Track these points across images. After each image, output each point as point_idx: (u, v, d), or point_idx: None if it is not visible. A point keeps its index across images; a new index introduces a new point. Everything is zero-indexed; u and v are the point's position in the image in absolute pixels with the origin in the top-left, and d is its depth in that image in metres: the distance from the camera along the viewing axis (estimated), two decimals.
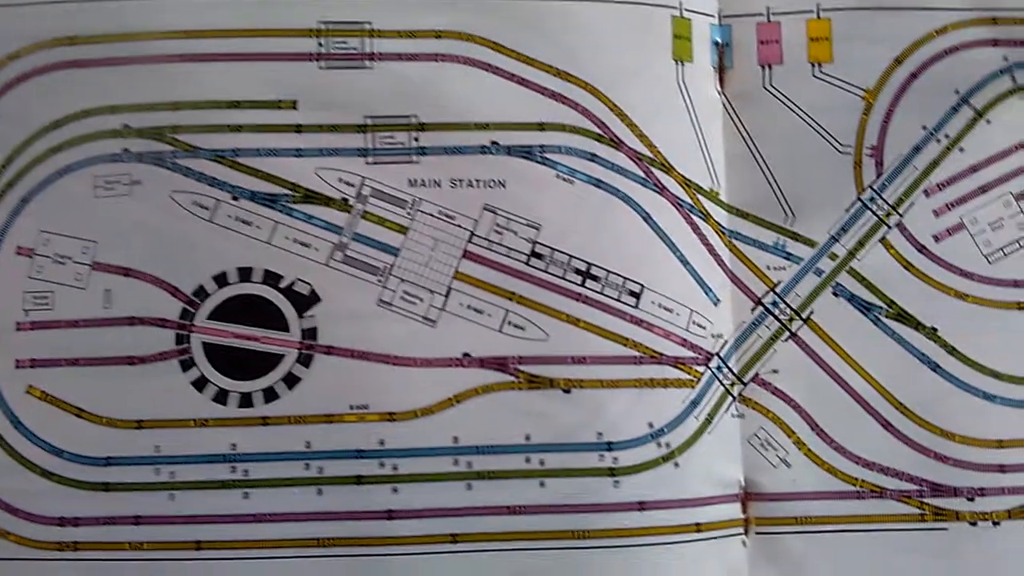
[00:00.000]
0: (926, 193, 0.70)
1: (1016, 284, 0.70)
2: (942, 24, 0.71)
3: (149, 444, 0.64)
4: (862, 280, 0.70)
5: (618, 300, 0.67)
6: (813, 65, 0.70)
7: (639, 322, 0.67)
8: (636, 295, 0.67)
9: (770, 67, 0.70)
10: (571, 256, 0.67)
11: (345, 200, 0.66)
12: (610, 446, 0.65)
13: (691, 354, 0.68)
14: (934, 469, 0.68)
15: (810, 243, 0.70)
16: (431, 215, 0.66)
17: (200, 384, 0.65)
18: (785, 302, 0.69)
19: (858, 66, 0.71)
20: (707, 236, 0.69)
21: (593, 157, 0.67)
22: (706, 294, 0.68)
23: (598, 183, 0.67)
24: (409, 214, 0.66)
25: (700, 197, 0.69)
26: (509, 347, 0.66)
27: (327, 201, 0.66)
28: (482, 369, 0.66)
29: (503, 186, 0.67)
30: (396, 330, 0.66)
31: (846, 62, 0.71)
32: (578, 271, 0.66)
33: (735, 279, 0.69)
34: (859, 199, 0.70)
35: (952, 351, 0.69)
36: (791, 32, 0.71)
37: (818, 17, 0.70)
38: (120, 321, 0.65)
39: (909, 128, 0.71)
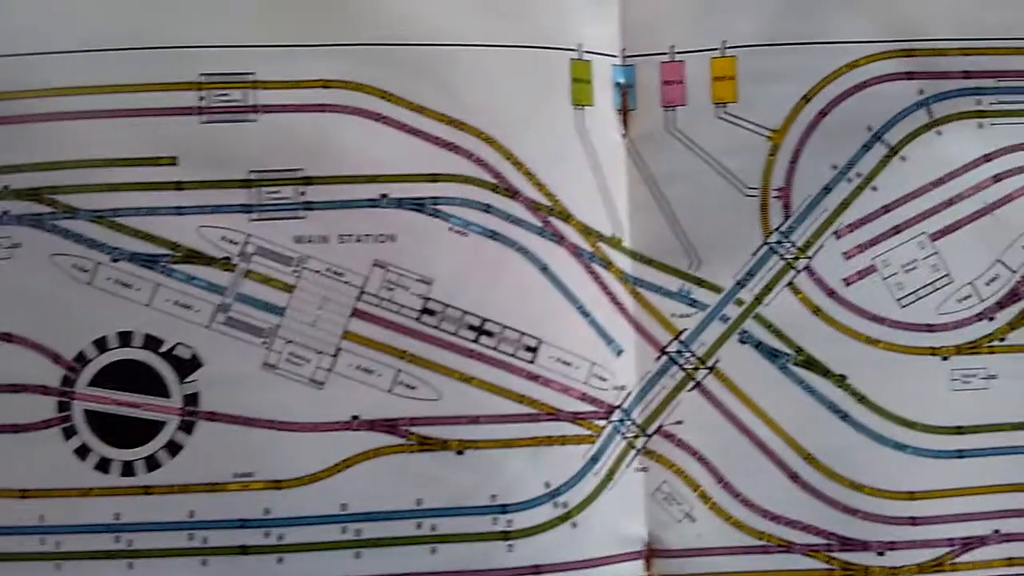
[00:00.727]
0: (836, 235, 0.54)
1: (930, 329, 0.53)
2: (853, 58, 0.54)
3: (34, 513, 0.50)
4: (769, 326, 0.53)
5: (514, 356, 0.51)
6: (717, 106, 0.53)
7: (536, 378, 0.51)
8: (533, 350, 0.51)
9: (674, 108, 0.53)
10: (464, 312, 0.51)
11: (228, 259, 0.50)
12: (504, 508, 0.50)
13: (591, 408, 0.51)
14: (843, 522, 0.53)
15: (716, 289, 0.53)
16: (318, 272, 0.50)
17: (83, 452, 0.50)
18: (690, 351, 0.53)
19: (764, 105, 0.54)
20: (609, 285, 0.52)
21: (488, 208, 0.51)
22: (608, 345, 0.52)
23: (493, 235, 0.51)
24: (295, 272, 0.50)
25: (602, 245, 0.52)
26: (400, 408, 0.51)
27: (209, 260, 0.50)
28: (372, 432, 0.50)
29: (393, 240, 0.51)
30: (282, 394, 0.50)
31: (751, 101, 0.54)
32: (472, 327, 0.50)
33: (639, 328, 0.53)
34: (766, 243, 0.53)
35: (862, 399, 0.52)
36: (696, 71, 0.54)
37: (723, 55, 0.53)
38: (3, 388, 0.50)
39: (818, 168, 0.54)
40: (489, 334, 0.51)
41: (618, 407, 0.52)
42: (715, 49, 0.54)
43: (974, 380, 0.53)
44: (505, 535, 0.50)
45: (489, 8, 0.52)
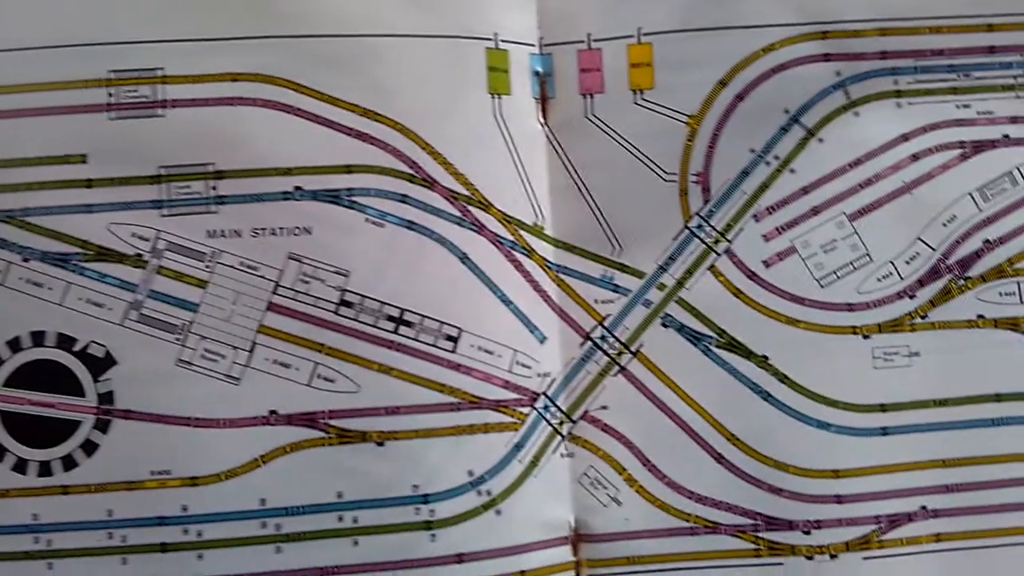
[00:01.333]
0: (756, 218, 0.44)
1: (850, 308, 0.43)
2: (769, 42, 0.44)
3: None
4: (691, 310, 0.44)
5: (434, 346, 0.41)
6: (635, 92, 0.43)
7: (457, 367, 0.41)
8: (453, 339, 0.41)
9: (592, 96, 0.43)
10: (383, 303, 0.41)
11: (139, 255, 0.41)
12: (426, 498, 0.41)
13: (515, 396, 0.42)
14: (769, 502, 0.43)
15: (638, 274, 0.44)
16: (232, 267, 0.41)
17: None
18: (614, 336, 0.43)
19: (681, 91, 0.44)
20: (531, 272, 0.43)
21: (405, 198, 0.41)
22: (531, 332, 0.42)
23: (410, 225, 0.41)
24: (208, 267, 0.41)
25: (523, 233, 0.42)
26: (318, 402, 0.41)
27: (120, 258, 0.41)
28: (290, 426, 0.41)
29: (309, 233, 0.41)
30: (197, 390, 0.41)
31: (668, 87, 0.44)
32: (391, 318, 0.41)
33: (563, 315, 0.43)
34: (686, 227, 0.44)
35: (784, 379, 0.43)
36: (612, 59, 0.45)
37: (639, 42, 0.43)
38: None
39: (736, 152, 0.45)
40: (408, 324, 0.41)
41: (542, 394, 0.43)
42: (631, 36, 0.44)
43: (896, 358, 0.44)
44: (428, 525, 0.41)
45: None
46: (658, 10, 0.44)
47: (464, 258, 0.42)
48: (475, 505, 0.41)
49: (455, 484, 0.41)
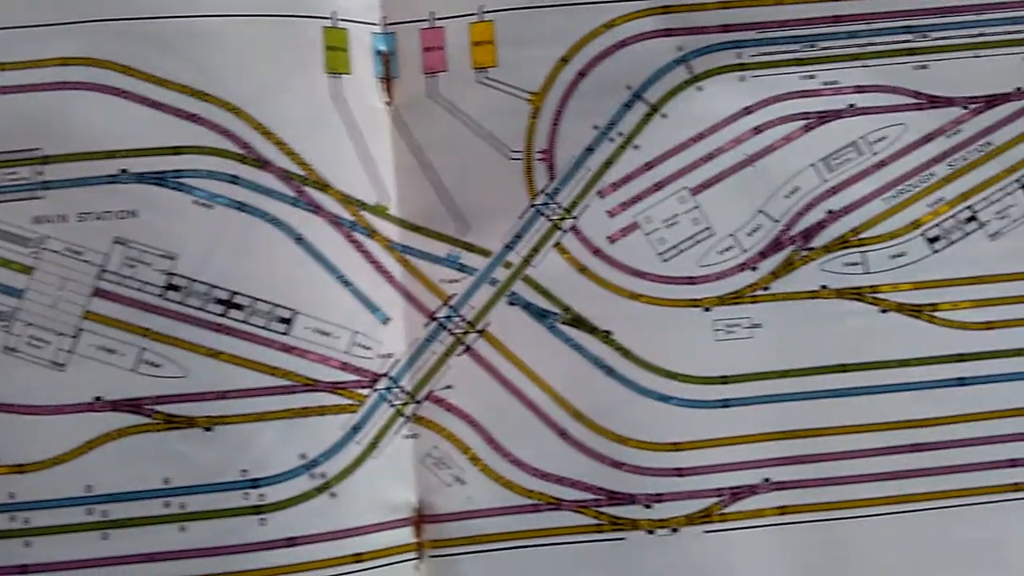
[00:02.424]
0: (600, 194, 0.31)
1: (691, 281, 0.30)
2: (610, 17, 0.31)
3: None
4: (537, 287, 0.30)
5: (265, 328, 0.28)
6: (478, 70, 0.30)
7: (291, 349, 0.29)
8: (287, 321, 0.28)
9: (435, 74, 0.30)
10: (211, 286, 0.28)
11: None
12: (256, 483, 0.28)
13: (353, 377, 0.29)
14: (611, 477, 0.30)
15: (484, 253, 0.31)
16: (57, 252, 0.28)
17: None
18: (460, 315, 0.30)
19: (523, 68, 0.31)
20: (374, 253, 0.30)
21: (235, 179, 0.28)
22: (373, 313, 0.29)
23: (241, 206, 0.28)
24: (34, 253, 0.28)
25: (365, 213, 0.29)
26: (145, 387, 0.29)
27: None
28: (116, 412, 0.28)
29: (135, 216, 0.29)
30: (22, 377, 0.29)
31: (511, 65, 0.31)
32: (219, 301, 0.28)
33: (408, 295, 0.30)
34: (532, 205, 0.31)
35: (626, 354, 0.30)
36: (455, 37, 0.31)
37: (481, 20, 0.29)
38: None
39: (580, 129, 0.31)
40: (238, 307, 0.28)
41: (384, 375, 0.29)
42: (473, 15, 0.31)
43: (738, 330, 0.30)
44: (257, 509, 0.28)
45: None
46: None
47: (299, 239, 0.29)
48: (308, 488, 0.29)
49: (286, 468, 0.29)
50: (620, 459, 0.31)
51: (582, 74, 0.32)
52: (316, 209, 0.30)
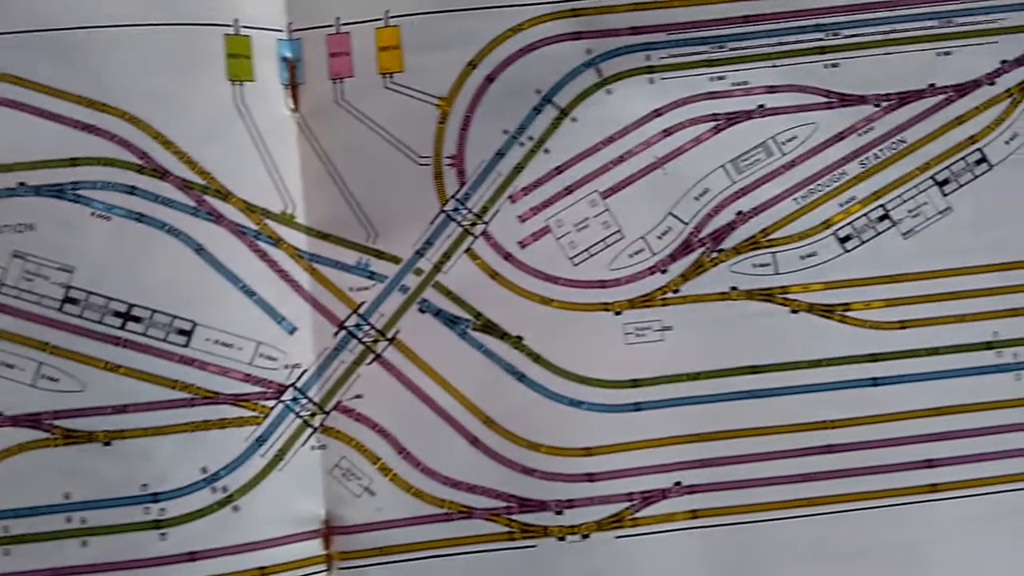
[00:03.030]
0: (511, 199, 0.30)
1: (602, 285, 0.30)
2: (518, 21, 0.31)
3: None
4: (448, 294, 0.30)
5: (165, 341, 0.28)
6: (384, 76, 0.30)
7: (191, 362, 0.29)
8: (187, 333, 0.28)
9: (342, 80, 0.30)
10: (109, 298, 0.28)
11: None
12: (156, 497, 0.28)
13: (257, 389, 0.29)
14: (522, 483, 0.30)
15: (395, 260, 0.30)
16: None
17: None
18: (369, 323, 0.30)
19: (431, 73, 0.31)
20: (279, 262, 0.29)
21: (133, 190, 0.28)
22: (278, 323, 0.29)
23: (140, 217, 0.28)
24: None
25: (270, 222, 0.29)
26: (43, 402, 0.29)
27: None
28: (15, 428, 0.28)
29: (32, 229, 0.29)
30: None
31: (418, 70, 0.31)
32: (117, 313, 0.28)
33: (316, 304, 0.30)
34: (443, 210, 0.30)
35: (537, 359, 0.30)
36: (361, 42, 0.31)
37: (387, 25, 0.29)
38: None
39: (490, 133, 0.31)
40: (137, 320, 0.28)
41: (291, 386, 0.29)
42: (379, 19, 0.30)
43: (648, 333, 0.30)
44: (157, 524, 0.28)
45: None
46: None
47: (199, 249, 0.29)
48: (209, 502, 0.29)
49: (187, 482, 0.28)
50: (531, 465, 0.30)
51: (491, 78, 0.32)
52: (217, 218, 0.30)
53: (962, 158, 0.31)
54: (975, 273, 0.31)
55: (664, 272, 0.31)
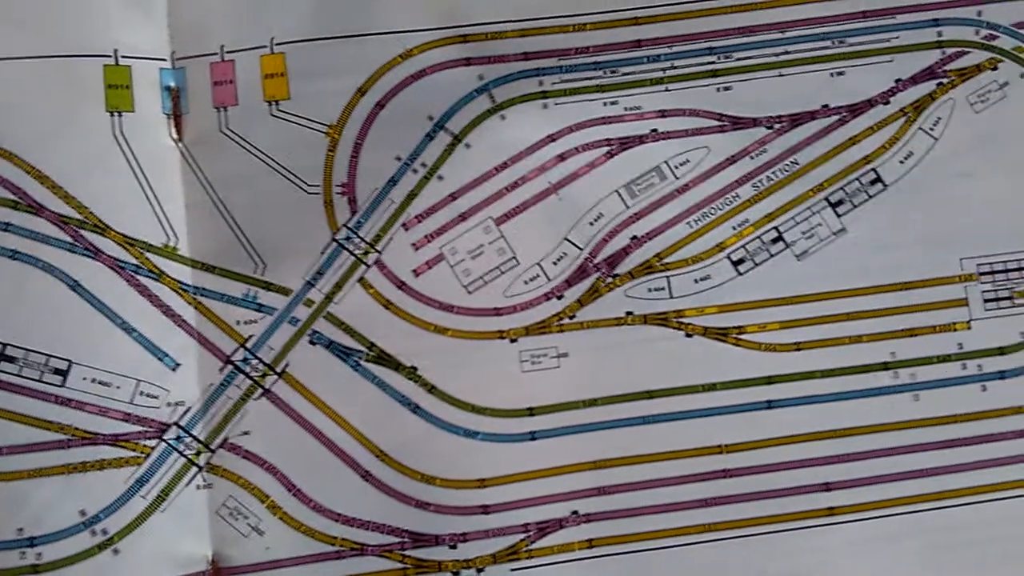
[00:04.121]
0: (405, 227, 0.30)
1: (497, 312, 0.30)
2: (407, 47, 0.30)
3: None
4: (340, 324, 0.30)
5: (40, 381, 0.27)
6: (270, 104, 0.29)
7: (67, 402, 0.28)
8: (63, 373, 0.27)
9: (226, 109, 0.29)
10: None
11: None
12: (32, 541, 0.27)
13: (137, 428, 0.28)
14: (415, 518, 0.30)
15: (284, 291, 0.30)
16: None
17: None
18: (257, 357, 0.30)
19: (318, 101, 0.31)
20: (161, 297, 0.29)
21: (7, 227, 0.27)
22: (160, 360, 0.28)
23: (13, 254, 0.28)
24: None
25: (151, 255, 0.29)
26: None
27: None
28: None
29: None
30: None
31: (305, 98, 0.30)
32: None
33: (201, 339, 0.30)
34: (334, 239, 0.30)
35: (432, 389, 0.30)
36: (245, 70, 0.31)
37: (272, 52, 0.29)
38: None
39: (382, 160, 0.31)
40: (10, 360, 0.27)
41: (174, 424, 0.29)
42: (264, 47, 0.30)
43: (544, 360, 0.30)
44: (34, 568, 0.27)
45: (3, 20, 0.28)
46: (290, 18, 0.31)
47: (75, 286, 0.29)
48: (89, 546, 0.28)
49: (65, 525, 0.28)
50: (425, 499, 0.30)
51: (381, 105, 0.32)
52: (95, 253, 0.30)
53: (856, 179, 0.32)
54: (871, 294, 0.31)
55: (560, 298, 0.31)
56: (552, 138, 0.31)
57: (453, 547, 0.29)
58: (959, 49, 0.32)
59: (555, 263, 0.31)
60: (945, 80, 0.31)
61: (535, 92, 0.31)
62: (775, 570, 0.30)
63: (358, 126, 0.31)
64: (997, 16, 0.32)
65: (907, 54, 0.31)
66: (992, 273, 0.31)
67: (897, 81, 0.32)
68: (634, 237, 0.31)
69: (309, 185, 0.30)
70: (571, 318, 0.31)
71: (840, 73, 0.31)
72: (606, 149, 0.31)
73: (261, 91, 0.31)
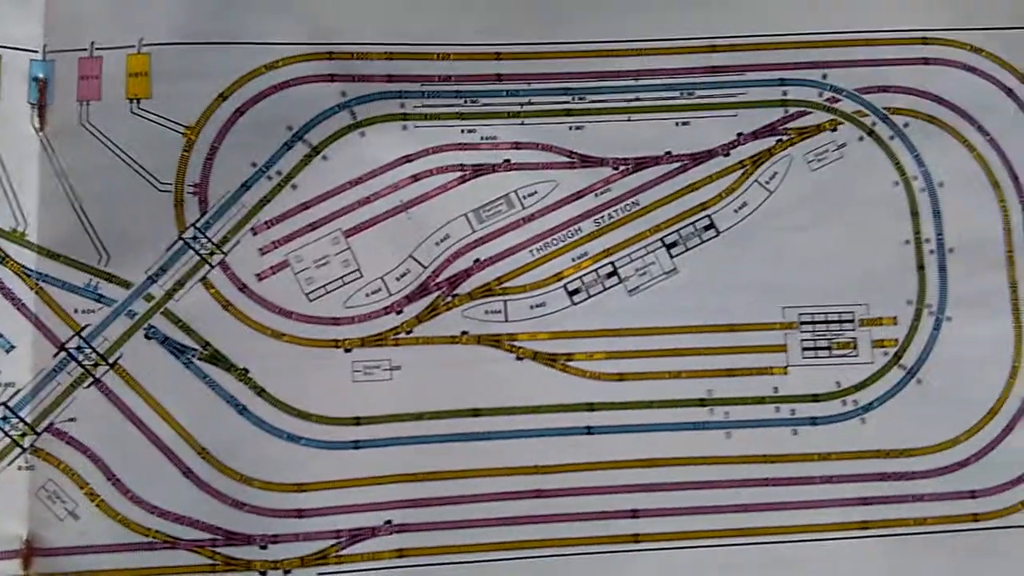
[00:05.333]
0: (253, 231, 0.31)
1: (335, 322, 0.31)
2: (273, 59, 0.32)
3: None
4: (177, 322, 0.31)
5: None
6: (132, 101, 0.30)
7: None
8: None
9: (88, 103, 0.30)
10: None
11: None
12: None
13: None
14: (230, 517, 0.30)
15: (125, 284, 0.31)
16: None
17: None
18: (91, 346, 0.30)
19: (179, 102, 0.32)
20: (3, 279, 0.29)
21: None
22: None
23: None
24: None
25: None
26: None
27: None
28: None
29: None
30: None
31: (166, 98, 0.32)
32: None
33: (38, 324, 0.30)
34: (180, 238, 0.31)
35: (261, 392, 0.31)
36: (112, 68, 0.32)
37: (139, 52, 0.30)
38: None
39: (237, 165, 0.32)
40: None
41: (2, 404, 0.29)
42: (133, 47, 0.31)
43: (377, 372, 0.31)
44: None
45: None
46: (161, 22, 0.32)
47: None
48: None
49: None
50: (242, 499, 0.31)
51: (241, 111, 0.33)
52: None
53: (691, 223, 0.34)
54: (694, 332, 0.33)
55: (399, 313, 0.33)
56: (408, 159, 0.33)
57: (264, 548, 0.30)
58: (802, 109, 0.34)
59: (398, 279, 0.32)
60: (785, 137, 0.34)
61: (396, 113, 0.33)
62: None
63: (216, 130, 0.32)
64: (841, 80, 0.34)
65: (752, 110, 0.34)
66: (812, 323, 0.33)
67: (739, 135, 0.34)
68: (477, 260, 0.33)
69: (161, 183, 0.32)
70: (408, 333, 0.32)
71: (686, 123, 0.34)
72: (459, 174, 0.33)
73: (124, 88, 0.32)
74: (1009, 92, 0.33)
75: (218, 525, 0.30)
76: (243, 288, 0.31)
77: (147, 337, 0.31)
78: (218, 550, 0.29)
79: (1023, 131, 0.34)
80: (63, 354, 0.30)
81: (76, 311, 0.30)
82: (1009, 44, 0.33)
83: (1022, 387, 0.32)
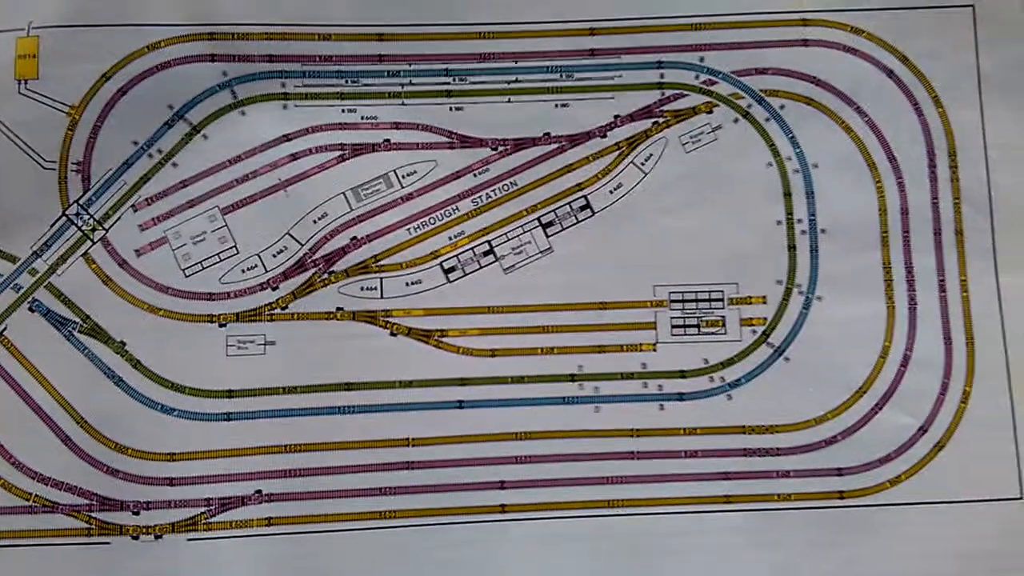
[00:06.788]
0: (134, 208, 0.33)
1: (211, 297, 0.32)
2: (155, 40, 0.33)
3: None
4: (60, 295, 0.32)
5: None
6: (20, 82, 0.32)
7: None
8: None
9: None
10: None
11: None
12: None
13: None
14: (106, 483, 0.32)
15: (11, 259, 0.32)
16: None
17: None
18: None
19: (64, 82, 0.33)
20: None
21: None
22: None
23: None
24: None
25: None
26: None
27: None
28: None
29: None
30: None
31: (53, 79, 0.33)
32: None
33: None
34: (64, 214, 0.32)
35: (137, 364, 0.32)
36: (2, 50, 0.32)
37: (28, 35, 0.31)
38: None
39: (119, 143, 0.33)
40: None
41: None
42: (22, 30, 0.33)
43: (251, 346, 0.33)
44: None
45: None
46: (49, 4, 0.33)
47: None
48: None
49: None
50: (117, 467, 0.32)
51: (123, 91, 0.34)
52: None
53: (568, 203, 0.35)
54: (566, 310, 0.34)
55: (275, 289, 0.34)
56: (288, 137, 0.34)
57: (136, 513, 0.32)
58: (678, 91, 0.35)
59: (275, 256, 0.33)
60: (661, 119, 0.35)
61: (277, 93, 0.34)
62: (451, 559, 0.32)
63: (99, 109, 0.33)
64: (718, 63, 0.35)
65: (629, 92, 0.35)
66: (682, 302, 0.34)
67: (616, 117, 0.35)
68: (354, 238, 0.34)
69: (46, 161, 0.33)
70: (283, 309, 0.33)
71: (564, 105, 0.34)
72: (339, 153, 0.34)
73: (13, 70, 0.33)
74: (890, 73, 0.34)
75: (94, 491, 0.31)
76: (123, 264, 0.32)
77: (31, 310, 0.32)
78: (93, 515, 0.31)
79: (903, 112, 0.34)
80: None
81: None
82: (891, 25, 0.34)
83: (891, 367, 0.33)
